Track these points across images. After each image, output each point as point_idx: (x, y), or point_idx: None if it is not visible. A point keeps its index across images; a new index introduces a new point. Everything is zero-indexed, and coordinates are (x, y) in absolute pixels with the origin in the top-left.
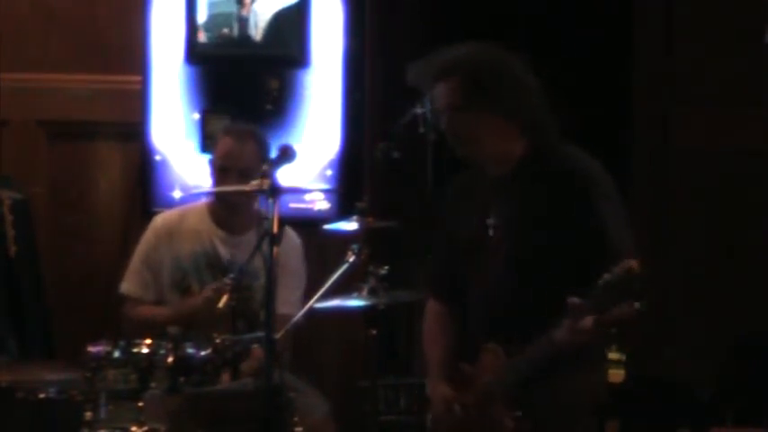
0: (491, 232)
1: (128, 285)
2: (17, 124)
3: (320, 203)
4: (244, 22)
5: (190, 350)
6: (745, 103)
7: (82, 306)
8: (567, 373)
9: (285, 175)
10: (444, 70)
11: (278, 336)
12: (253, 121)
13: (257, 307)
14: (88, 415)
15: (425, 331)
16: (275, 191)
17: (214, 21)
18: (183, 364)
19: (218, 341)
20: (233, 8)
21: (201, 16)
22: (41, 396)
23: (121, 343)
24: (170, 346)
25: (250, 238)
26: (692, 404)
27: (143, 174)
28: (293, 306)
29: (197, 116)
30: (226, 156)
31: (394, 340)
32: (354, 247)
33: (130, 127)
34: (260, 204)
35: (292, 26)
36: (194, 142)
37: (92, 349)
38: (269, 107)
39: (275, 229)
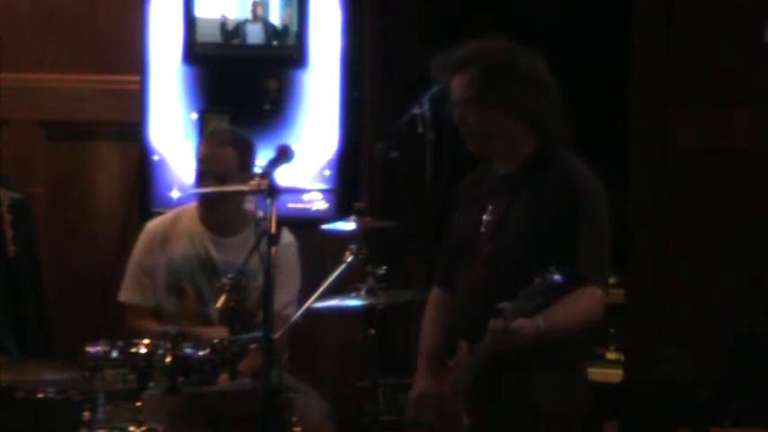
0: (483, 229)
1: (126, 293)
2: (17, 124)
3: (318, 203)
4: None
5: (188, 350)
6: (746, 102)
7: (81, 306)
8: (537, 375)
9: (283, 175)
10: (463, 62)
11: (276, 336)
12: (251, 122)
13: (252, 306)
14: (87, 415)
15: (424, 318)
16: (273, 191)
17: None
18: (182, 364)
19: (216, 341)
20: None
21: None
22: (40, 396)
23: (120, 343)
24: (168, 346)
25: (242, 239)
26: (692, 404)
27: (142, 174)
28: (290, 306)
29: (195, 116)
30: (203, 160)
31: (392, 340)
32: (353, 247)
33: (129, 127)
34: (258, 204)
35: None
36: (193, 142)
37: (90, 349)
38: (267, 107)
39: (273, 229)
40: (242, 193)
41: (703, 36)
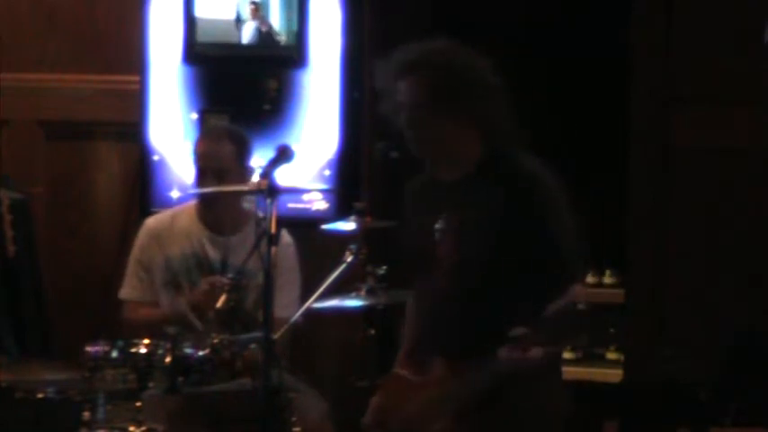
0: (439, 239)
1: (126, 290)
2: (17, 124)
3: (318, 203)
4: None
5: (188, 350)
6: (746, 102)
7: (81, 306)
8: (522, 379)
9: (283, 175)
10: (412, 65)
11: (275, 337)
12: (251, 121)
13: (251, 306)
14: (86, 415)
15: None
16: (273, 191)
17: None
18: (182, 364)
19: (215, 341)
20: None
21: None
22: (40, 396)
23: (120, 343)
24: (168, 346)
25: (240, 238)
26: (692, 404)
27: (142, 173)
28: (290, 308)
29: (195, 116)
30: (201, 157)
31: (392, 340)
32: (353, 247)
33: (129, 127)
34: (257, 204)
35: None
36: (192, 142)
37: (90, 349)
38: (267, 107)
39: (273, 229)
40: (241, 193)
41: (703, 36)
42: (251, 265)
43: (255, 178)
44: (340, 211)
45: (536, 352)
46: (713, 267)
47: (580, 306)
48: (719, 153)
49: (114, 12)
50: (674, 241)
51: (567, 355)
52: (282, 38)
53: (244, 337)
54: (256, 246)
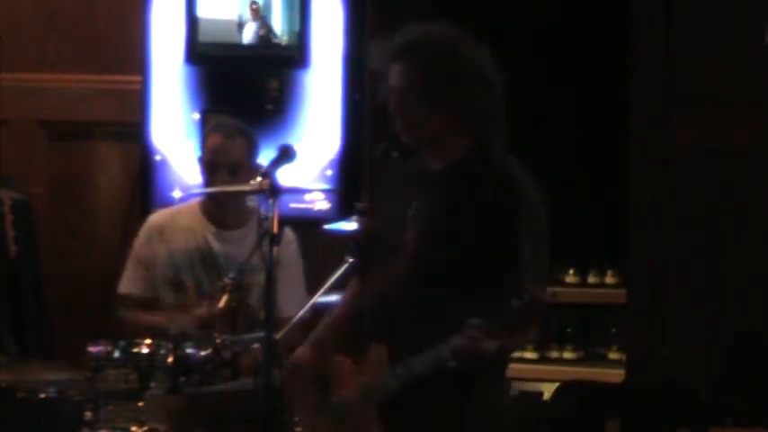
0: (408, 226)
1: (124, 284)
2: (17, 124)
3: (320, 203)
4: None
5: (190, 350)
6: (745, 102)
7: (82, 306)
8: (467, 385)
9: (285, 175)
10: (407, 49)
11: (279, 336)
12: (252, 121)
13: (256, 304)
14: (88, 415)
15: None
16: (275, 191)
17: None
18: (183, 363)
19: (218, 341)
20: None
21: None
22: (42, 396)
23: (121, 343)
24: (170, 346)
25: (244, 232)
26: (692, 404)
27: (143, 174)
28: (295, 306)
29: (197, 116)
30: (214, 151)
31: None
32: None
33: (130, 127)
34: (258, 202)
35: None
36: (194, 142)
37: (92, 349)
38: (269, 107)
39: (275, 229)
40: (244, 192)
41: (703, 36)
42: (254, 261)
43: (258, 178)
44: (342, 211)
45: (488, 344)
46: (713, 267)
47: (532, 301)
48: (719, 153)
49: (115, 12)
50: (675, 241)
51: (568, 354)
52: (283, 39)
53: (246, 336)
54: (258, 245)
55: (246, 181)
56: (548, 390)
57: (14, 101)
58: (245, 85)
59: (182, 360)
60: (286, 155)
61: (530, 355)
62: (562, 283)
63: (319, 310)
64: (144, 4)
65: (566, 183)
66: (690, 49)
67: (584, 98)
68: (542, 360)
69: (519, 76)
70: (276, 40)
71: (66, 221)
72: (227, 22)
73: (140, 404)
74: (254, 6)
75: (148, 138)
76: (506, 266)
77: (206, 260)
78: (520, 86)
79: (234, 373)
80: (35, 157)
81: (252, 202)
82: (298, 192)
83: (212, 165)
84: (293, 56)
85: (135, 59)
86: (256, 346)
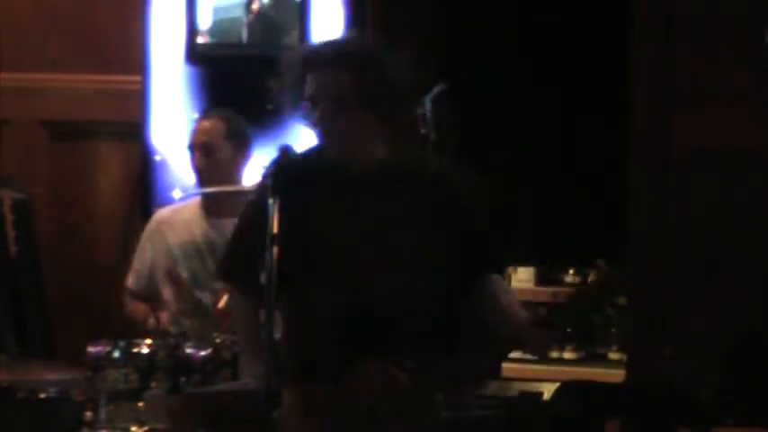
0: (355, 234)
1: (130, 279)
2: (18, 124)
3: None
4: (253, 29)
5: (190, 350)
6: (745, 102)
7: (82, 306)
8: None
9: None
10: (332, 58)
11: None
12: (253, 121)
13: None
14: (88, 415)
15: (247, 329)
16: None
17: (219, 26)
18: (184, 363)
19: (218, 341)
20: (239, 14)
21: (205, 23)
22: (42, 396)
23: (122, 343)
24: (170, 345)
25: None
26: (692, 404)
27: (143, 174)
28: None
29: (197, 116)
30: (192, 133)
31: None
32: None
33: (130, 127)
34: None
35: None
36: None
37: (92, 349)
38: (269, 107)
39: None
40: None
41: (703, 36)
42: None
43: (254, 168)
44: None
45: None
46: (713, 267)
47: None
48: (719, 153)
49: (115, 11)
50: (674, 241)
51: (568, 354)
52: (284, 38)
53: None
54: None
55: (223, 163)
56: (548, 390)
57: (14, 101)
58: (245, 84)
59: (182, 360)
60: (286, 155)
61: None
62: (562, 283)
63: None
64: (144, 4)
65: (566, 183)
66: (690, 49)
67: (584, 98)
68: (542, 360)
69: (519, 76)
70: (276, 40)
71: (66, 221)
72: (228, 23)
73: (140, 404)
74: (255, 6)
75: (148, 138)
76: (473, 256)
77: (201, 250)
78: (519, 87)
79: (234, 372)
80: (35, 157)
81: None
82: None
83: (190, 146)
84: None
85: (135, 59)
86: None
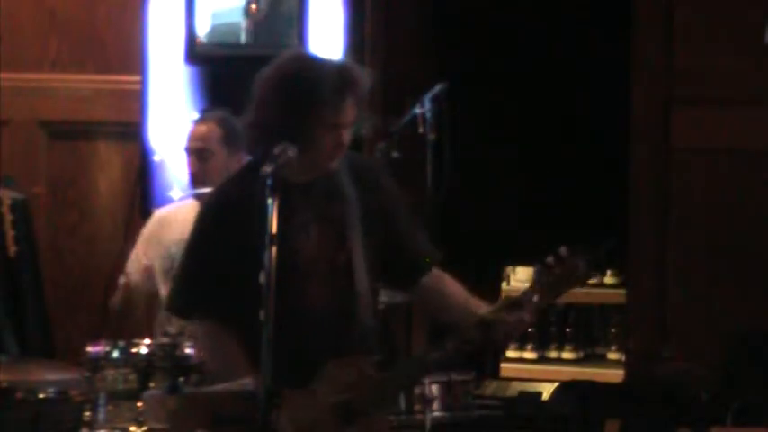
0: (316, 239)
1: (125, 276)
2: (17, 124)
3: None
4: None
5: (189, 350)
6: (746, 102)
7: (82, 306)
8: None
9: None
10: (356, 82)
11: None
12: None
13: None
14: (87, 415)
15: (217, 355)
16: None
17: (218, 31)
18: (182, 364)
19: None
20: (238, 18)
21: (204, 26)
22: (41, 396)
23: (121, 343)
24: (169, 346)
25: None
26: (692, 404)
27: (142, 174)
28: None
29: (196, 116)
30: (188, 138)
31: (392, 340)
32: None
33: (129, 127)
34: None
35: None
36: None
37: (91, 349)
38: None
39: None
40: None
41: (703, 36)
42: None
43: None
44: None
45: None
46: (713, 267)
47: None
48: (719, 153)
49: (114, 11)
50: (675, 241)
51: (568, 354)
52: (283, 38)
53: None
54: None
55: (218, 167)
56: (547, 390)
57: (14, 101)
58: (244, 84)
59: (181, 360)
60: (285, 155)
61: (530, 355)
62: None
63: None
64: (143, 5)
65: (566, 183)
66: (690, 49)
67: (584, 98)
68: (542, 360)
69: (519, 76)
70: (276, 40)
71: (66, 221)
72: (227, 22)
73: (139, 404)
74: (254, 6)
75: (147, 138)
76: (409, 251)
77: None
78: (519, 87)
79: None
80: (35, 157)
81: None
82: None
83: (186, 151)
84: None
85: (135, 59)
86: None
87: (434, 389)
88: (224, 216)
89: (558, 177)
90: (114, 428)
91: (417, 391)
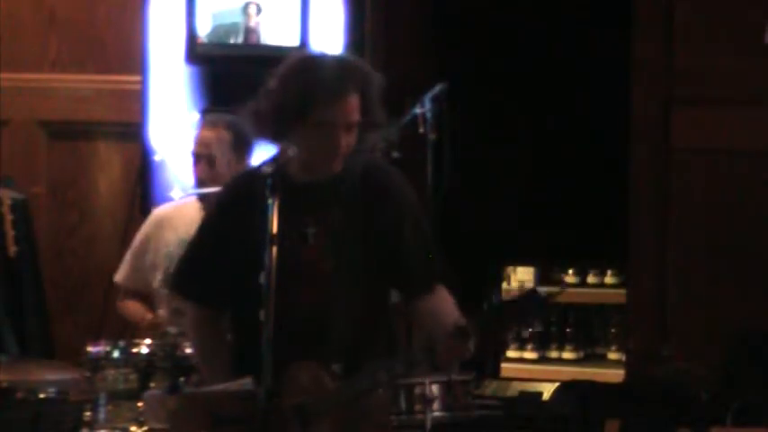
0: (310, 241)
1: (119, 274)
2: (17, 124)
3: None
4: (252, 33)
5: (189, 350)
6: (746, 102)
7: (82, 306)
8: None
9: None
10: (349, 84)
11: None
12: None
13: None
14: (88, 415)
15: (201, 341)
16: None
17: (218, 31)
18: (183, 364)
19: None
20: (238, 19)
21: (204, 27)
22: (41, 396)
23: (121, 343)
24: (169, 346)
25: None
26: (692, 404)
27: (142, 174)
28: None
29: (197, 116)
30: (195, 143)
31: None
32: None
33: (130, 127)
34: None
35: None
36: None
37: (92, 349)
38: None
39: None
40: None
41: (703, 36)
42: None
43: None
44: None
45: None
46: (713, 267)
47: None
48: (719, 153)
49: (115, 11)
50: (675, 241)
51: (568, 354)
52: (283, 38)
53: None
54: None
55: (225, 172)
56: (548, 390)
57: (14, 101)
58: (245, 85)
59: (181, 360)
60: (285, 155)
61: (530, 355)
62: (562, 283)
63: None
64: (143, 5)
65: (566, 183)
66: (690, 49)
67: (584, 98)
68: (542, 360)
69: (519, 76)
70: (276, 40)
71: (66, 221)
72: (227, 23)
73: (139, 404)
74: (254, 6)
75: (147, 138)
76: (410, 262)
77: None
78: (519, 87)
79: None
80: (35, 157)
81: None
82: None
83: (194, 156)
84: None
85: (135, 59)
86: None
87: (434, 389)
88: (236, 206)
89: (558, 177)
90: (114, 428)
91: (417, 391)
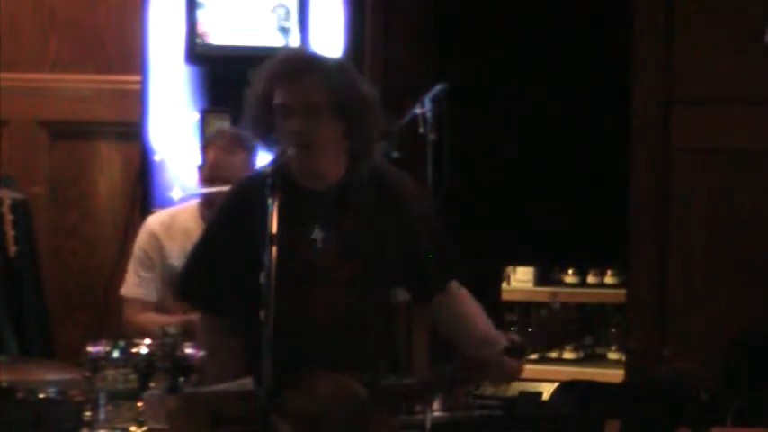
0: (319, 249)
1: (126, 288)
2: (17, 124)
3: None
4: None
5: (189, 350)
6: (746, 102)
7: (82, 306)
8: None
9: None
10: (300, 69)
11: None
12: None
13: None
14: (88, 415)
15: (210, 347)
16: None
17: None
18: (183, 364)
19: None
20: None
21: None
22: (41, 396)
23: (121, 343)
24: (169, 346)
25: None
26: (692, 404)
27: (142, 174)
28: None
29: (197, 116)
30: (214, 166)
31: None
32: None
33: (130, 127)
34: None
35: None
36: (194, 142)
37: (91, 349)
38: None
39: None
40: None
41: (703, 36)
42: None
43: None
44: None
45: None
46: (713, 267)
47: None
48: (719, 153)
49: (114, 11)
50: (675, 241)
51: (568, 354)
52: (283, 39)
53: None
54: None
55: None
56: (547, 390)
57: (14, 101)
58: (244, 84)
59: (181, 360)
60: (285, 157)
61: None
62: (562, 283)
63: None
64: (143, 5)
65: (565, 183)
66: (690, 49)
67: (584, 98)
68: (542, 360)
69: (518, 76)
70: (276, 40)
71: (66, 221)
72: (227, 23)
73: (139, 404)
74: (254, 6)
75: (147, 138)
76: (423, 266)
77: None
78: (519, 87)
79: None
80: (35, 157)
81: None
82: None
83: (211, 178)
84: None
85: (135, 59)
86: None
87: None
88: (239, 212)
89: (558, 177)
90: (114, 428)
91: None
